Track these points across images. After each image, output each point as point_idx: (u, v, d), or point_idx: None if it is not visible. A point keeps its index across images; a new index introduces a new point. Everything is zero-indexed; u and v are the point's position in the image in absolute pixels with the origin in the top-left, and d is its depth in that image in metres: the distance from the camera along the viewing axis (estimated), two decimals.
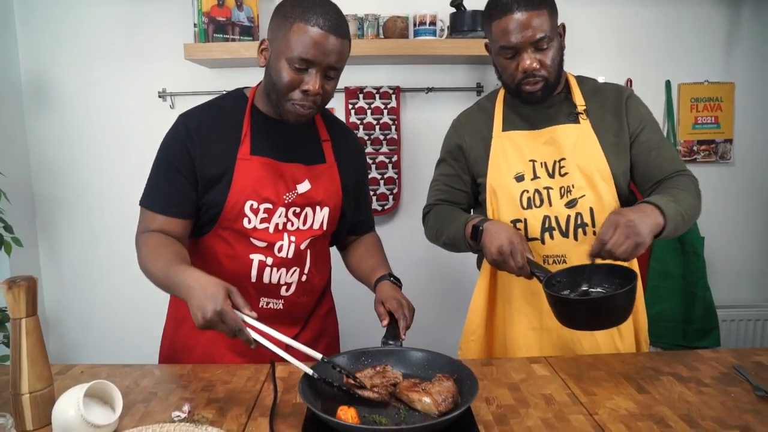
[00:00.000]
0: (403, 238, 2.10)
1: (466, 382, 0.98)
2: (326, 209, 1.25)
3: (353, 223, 1.39)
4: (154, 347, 1.40)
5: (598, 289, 1.15)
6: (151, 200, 1.20)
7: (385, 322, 1.17)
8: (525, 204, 1.30)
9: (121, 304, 2.26)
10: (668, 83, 2.25)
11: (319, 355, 1.00)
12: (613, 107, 1.33)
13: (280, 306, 1.27)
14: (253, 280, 1.22)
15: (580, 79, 1.38)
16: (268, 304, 1.26)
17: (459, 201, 1.41)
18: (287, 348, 1.00)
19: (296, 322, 1.32)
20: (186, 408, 1.00)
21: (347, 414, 0.87)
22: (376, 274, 1.30)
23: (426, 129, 2.18)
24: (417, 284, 2.21)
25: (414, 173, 2.21)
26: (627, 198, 1.32)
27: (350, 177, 1.30)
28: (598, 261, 1.11)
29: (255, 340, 0.95)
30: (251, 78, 1.38)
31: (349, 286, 1.44)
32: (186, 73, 2.14)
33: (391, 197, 2.20)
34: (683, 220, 1.16)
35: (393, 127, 2.16)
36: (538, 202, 1.30)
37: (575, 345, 1.32)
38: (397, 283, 1.28)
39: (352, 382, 0.97)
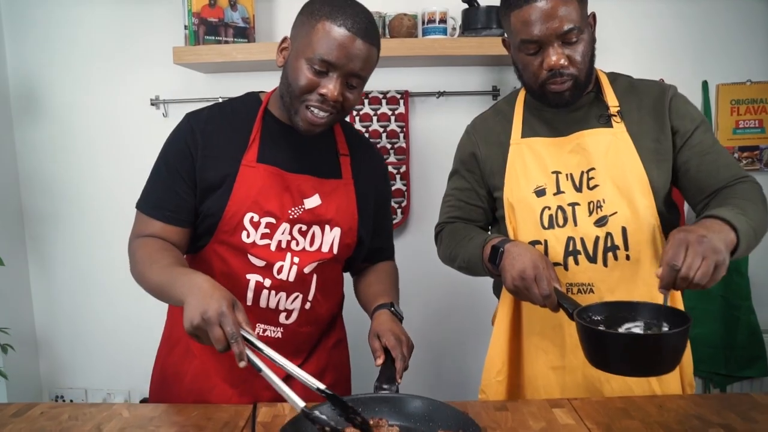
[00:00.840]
0: (412, 257, 1.95)
1: None
2: (337, 230, 1.13)
3: (370, 250, 1.26)
4: (149, 366, 1.30)
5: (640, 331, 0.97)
6: (147, 203, 1.11)
7: (380, 361, 1.03)
8: (546, 223, 1.15)
9: (116, 322, 2.17)
10: (705, 84, 2.05)
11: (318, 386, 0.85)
12: (653, 107, 1.16)
13: (279, 335, 1.15)
14: (249, 303, 1.11)
15: (613, 77, 1.22)
16: (264, 331, 1.14)
17: (475, 218, 1.27)
18: (288, 379, 0.87)
19: (298, 354, 1.19)
20: None
21: None
22: (376, 301, 1.17)
23: (437, 137, 2.04)
24: (427, 311, 2.11)
25: (424, 185, 2.07)
26: (665, 216, 1.15)
27: (369, 198, 1.20)
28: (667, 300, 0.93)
29: (249, 358, 0.83)
30: (249, 84, 1.27)
31: (365, 316, 1.30)
32: (179, 79, 2.03)
33: (399, 211, 2.05)
34: (755, 236, 0.99)
35: (401, 135, 2.02)
36: (561, 221, 1.14)
37: (603, 386, 1.15)
38: (398, 315, 1.15)
39: None
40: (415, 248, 2.01)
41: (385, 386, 0.97)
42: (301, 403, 0.78)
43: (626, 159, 1.13)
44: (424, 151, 2.07)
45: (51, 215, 2.14)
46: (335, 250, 1.14)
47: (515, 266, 1.03)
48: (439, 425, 0.88)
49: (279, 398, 1.13)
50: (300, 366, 1.16)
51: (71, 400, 2.17)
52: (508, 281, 1.05)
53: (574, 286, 1.14)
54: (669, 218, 1.16)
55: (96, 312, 2.17)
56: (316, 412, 0.77)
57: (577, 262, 1.13)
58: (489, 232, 1.30)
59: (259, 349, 0.85)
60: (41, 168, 2.12)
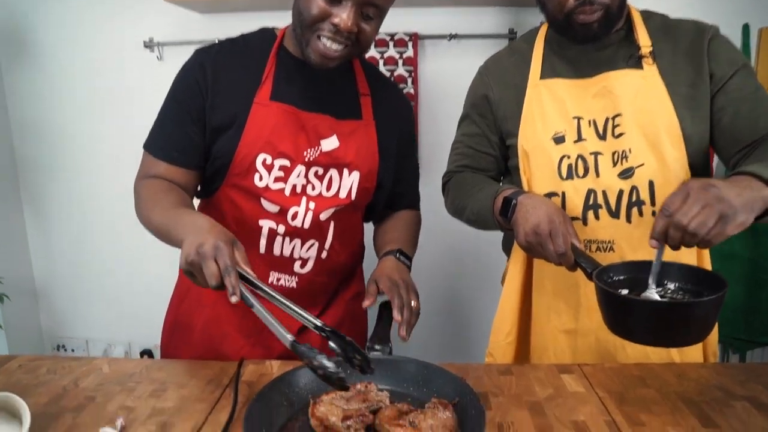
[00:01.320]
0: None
1: (470, 411, 0.75)
2: (356, 174, 1.08)
3: (391, 195, 1.20)
4: (149, 317, 1.29)
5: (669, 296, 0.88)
6: (154, 143, 1.07)
7: (367, 303, 0.97)
8: (564, 173, 1.05)
9: (114, 273, 2.15)
10: (746, 27, 1.87)
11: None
12: (689, 49, 1.04)
13: (294, 284, 1.11)
14: (262, 251, 1.07)
15: (647, 14, 1.10)
16: (279, 280, 1.10)
17: (485, 167, 1.18)
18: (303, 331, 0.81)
19: (314, 305, 1.16)
20: (119, 423, 0.83)
21: None
22: (385, 249, 1.12)
23: (448, 82, 1.92)
24: (434, 267, 2.03)
25: (434, 134, 1.95)
26: (699, 170, 1.04)
27: (391, 140, 1.14)
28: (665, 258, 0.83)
29: (241, 293, 0.78)
30: (248, 25, 1.17)
31: None
32: (174, 20, 1.92)
33: None
34: None
35: (409, 81, 1.91)
36: (581, 172, 1.05)
37: (618, 352, 1.08)
38: (404, 261, 1.09)
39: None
40: (422, 200, 1.93)
41: (377, 347, 0.91)
42: (290, 337, 0.75)
43: (657, 105, 1.02)
44: (434, 98, 1.95)
45: (46, 163, 2.09)
46: (353, 196, 1.09)
47: (529, 220, 0.95)
48: (433, 391, 0.81)
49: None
50: (317, 317, 1.13)
51: (72, 350, 2.17)
52: (520, 236, 0.97)
53: (593, 243, 1.05)
54: (704, 174, 1.05)
55: (95, 262, 2.14)
56: (303, 347, 0.72)
57: (597, 217, 1.04)
58: (501, 184, 1.20)
59: (258, 287, 0.80)
60: (33, 115, 2.05)
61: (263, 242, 1.06)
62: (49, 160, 2.09)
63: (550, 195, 1.06)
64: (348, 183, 1.08)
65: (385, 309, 0.99)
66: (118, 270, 2.13)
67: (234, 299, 0.77)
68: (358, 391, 0.80)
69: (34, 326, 2.18)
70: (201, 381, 0.97)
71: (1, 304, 1.85)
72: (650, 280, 0.86)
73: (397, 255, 1.09)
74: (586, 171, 1.04)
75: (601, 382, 0.95)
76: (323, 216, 1.07)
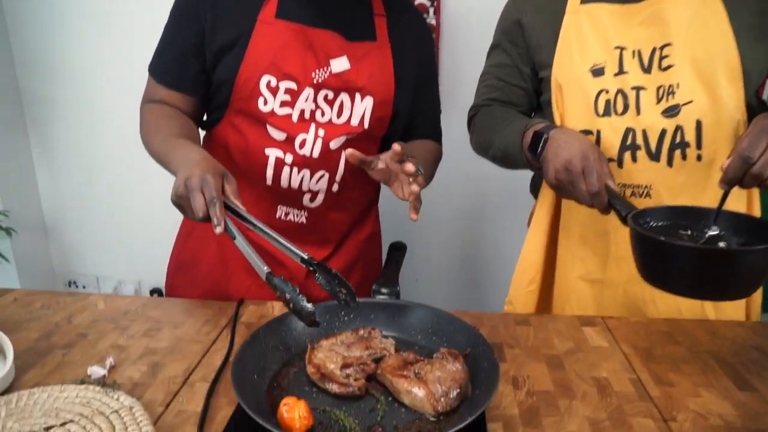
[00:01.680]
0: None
1: (482, 363, 0.68)
2: (369, 99, 1.01)
3: (409, 128, 1.13)
4: (160, 255, 1.25)
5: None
6: (155, 68, 1.05)
7: (350, 151, 0.93)
8: (601, 109, 0.95)
9: (124, 210, 2.10)
10: None
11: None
12: None
13: (303, 219, 1.06)
14: (269, 182, 1.02)
15: None
16: (287, 215, 1.06)
17: (515, 101, 1.09)
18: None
19: (325, 243, 1.10)
20: (108, 362, 0.79)
21: (293, 411, 0.58)
22: None
23: (474, 13, 1.77)
24: (455, 212, 1.95)
25: (456, 69, 1.82)
26: (755, 110, 0.93)
27: (409, 64, 1.07)
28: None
29: (226, 224, 0.76)
30: None
31: (403, 210, 1.17)
32: None
33: None
34: None
35: (431, 10, 1.77)
36: (620, 108, 0.94)
37: (647, 307, 1.00)
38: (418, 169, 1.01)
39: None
40: (444, 138, 1.84)
41: (384, 290, 0.84)
42: (266, 269, 0.72)
43: (715, 34, 0.90)
44: (458, 30, 1.81)
45: (51, 95, 2.02)
46: (366, 124, 1.02)
47: (560, 156, 0.86)
48: (443, 341, 0.75)
49: (305, 289, 1.05)
50: (328, 258, 1.12)
51: (84, 287, 2.18)
52: (550, 174, 0.88)
53: (629, 187, 0.95)
54: (760, 113, 0.93)
55: (105, 199, 2.11)
56: (277, 279, 0.69)
57: (635, 159, 0.94)
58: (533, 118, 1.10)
59: (246, 220, 0.78)
60: (37, 46, 1.97)
61: (270, 173, 1.01)
62: (54, 92, 2.02)
63: (583, 133, 0.96)
64: (360, 109, 1.00)
65: (394, 251, 0.92)
66: (129, 207, 2.09)
67: (218, 230, 0.74)
68: (360, 337, 0.74)
69: (46, 262, 2.18)
70: (197, 321, 0.93)
71: (9, 237, 1.83)
72: (739, 236, 0.78)
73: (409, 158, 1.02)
74: (626, 108, 0.94)
75: (626, 337, 0.89)
76: (333, 144, 1.00)
